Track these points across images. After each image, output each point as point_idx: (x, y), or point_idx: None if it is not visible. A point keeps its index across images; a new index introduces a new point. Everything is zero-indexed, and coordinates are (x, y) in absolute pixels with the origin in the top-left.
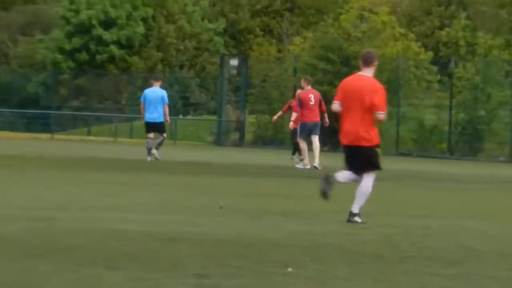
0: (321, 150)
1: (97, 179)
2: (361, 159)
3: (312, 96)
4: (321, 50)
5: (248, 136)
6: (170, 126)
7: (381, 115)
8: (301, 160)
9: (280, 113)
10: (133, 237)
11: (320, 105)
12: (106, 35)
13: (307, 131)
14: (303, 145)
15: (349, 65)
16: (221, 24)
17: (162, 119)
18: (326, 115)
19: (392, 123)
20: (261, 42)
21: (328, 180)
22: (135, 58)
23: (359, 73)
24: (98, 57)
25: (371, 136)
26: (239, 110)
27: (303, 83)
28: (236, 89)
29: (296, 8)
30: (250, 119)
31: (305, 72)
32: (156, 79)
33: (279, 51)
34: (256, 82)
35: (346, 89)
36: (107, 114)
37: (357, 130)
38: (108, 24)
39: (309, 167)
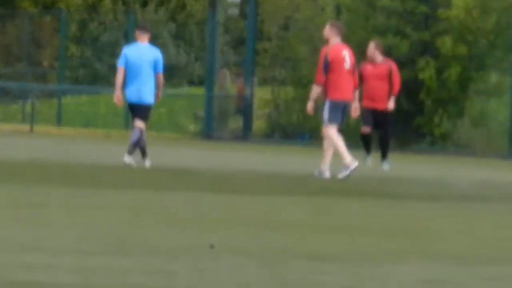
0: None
1: None
2: None
3: (347, 54)
4: None
5: (258, 124)
6: (126, 107)
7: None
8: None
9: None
10: None
11: (358, 74)
12: None
13: (339, 115)
14: (336, 137)
15: (429, 1)
16: None
17: (151, 100)
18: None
19: (503, 101)
20: None
21: None
22: None
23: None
24: None
25: None
26: (243, 78)
27: (328, 31)
28: (238, 42)
29: None
30: (261, 93)
31: (356, 11)
32: (143, 29)
33: None
34: (271, 30)
35: None
36: (18, 85)
37: None
38: None
39: (328, 174)
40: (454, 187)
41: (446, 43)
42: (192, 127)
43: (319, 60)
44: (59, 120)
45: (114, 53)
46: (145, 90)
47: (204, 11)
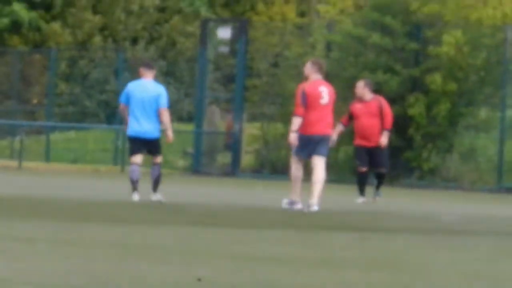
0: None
1: None
2: None
3: (325, 90)
4: (373, 13)
5: (247, 160)
6: (115, 143)
7: None
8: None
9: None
10: None
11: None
12: None
13: (309, 148)
14: (295, 169)
15: (420, 37)
16: None
17: (157, 134)
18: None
19: (491, 137)
20: None
21: None
22: (56, 25)
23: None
24: None
25: None
26: (232, 114)
27: (309, 68)
28: (228, 78)
29: None
30: (250, 129)
31: (346, 49)
32: (148, 66)
33: (302, 14)
34: (262, 66)
35: None
36: (7, 122)
37: None
38: None
39: (300, 206)
40: (442, 221)
41: (436, 80)
42: (181, 163)
43: (297, 95)
44: (47, 156)
45: (104, 90)
46: (148, 125)
47: (194, 49)
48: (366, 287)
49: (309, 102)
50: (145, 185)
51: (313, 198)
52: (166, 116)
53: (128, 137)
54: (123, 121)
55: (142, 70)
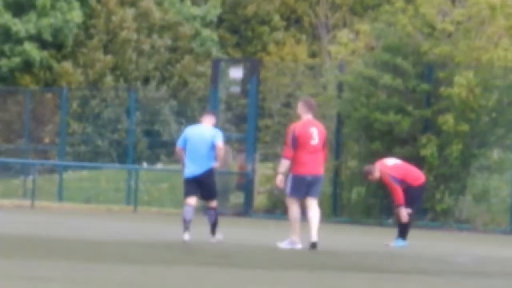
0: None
1: None
2: None
3: (316, 131)
4: (385, 54)
5: (260, 200)
6: (128, 182)
7: None
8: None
9: None
10: None
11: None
12: (17, 26)
13: (303, 189)
14: (294, 211)
15: (431, 78)
16: (215, 8)
17: (212, 177)
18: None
19: (504, 178)
20: (282, 39)
21: None
22: (68, 65)
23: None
24: (3, 62)
25: None
26: (244, 154)
27: (300, 107)
28: (239, 118)
29: None
30: (263, 169)
31: (358, 89)
32: (209, 113)
33: (313, 54)
34: (273, 106)
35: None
36: (20, 161)
37: None
38: (20, 7)
39: (300, 246)
40: (456, 262)
41: (448, 121)
42: None
43: (287, 136)
44: (60, 196)
45: (116, 130)
46: (203, 168)
47: (205, 88)
48: None
49: (299, 143)
50: (152, 224)
51: (313, 231)
52: (221, 151)
53: (185, 179)
54: (181, 163)
55: (204, 116)
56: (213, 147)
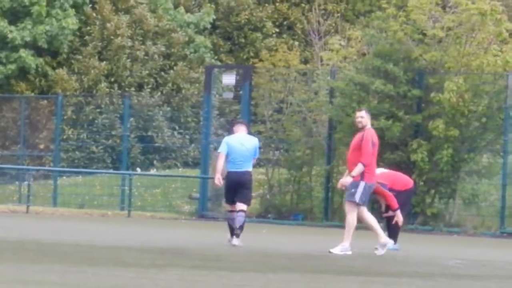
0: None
1: None
2: None
3: None
4: (376, 60)
5: (252, 204)
6: (122, 188)
7: None
8: None
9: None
10: None
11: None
12: (13, 33)
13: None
14: (356, 218)
15: (422, 84)
16: (208, 15)
17: (250, 183)
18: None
19: (494, 182)
20: (274, 46)
21: None
22: (63, 72)
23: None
24: None
25: None
26: None
27: (367, 117)
28: (233, 124)
29: None
30: (255, 175)
31: (349, 95)
32: (241, 123)
33: (305, 60)
34: (266, 112)
35: None
36: (15, 166)
37: None
38: (16, 15)
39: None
40: (445, 265)
41: (438, 126)
42: (186, 208)
43: (366, 142)
44: (54, 201)
45: (110, 136)
46: (245, 174)
47: (199, 95)
48: None
49: (374, 151)
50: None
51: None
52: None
53: (226, 182)
54: (219, 168)
55: (237, 126)
56: (255, 154)
